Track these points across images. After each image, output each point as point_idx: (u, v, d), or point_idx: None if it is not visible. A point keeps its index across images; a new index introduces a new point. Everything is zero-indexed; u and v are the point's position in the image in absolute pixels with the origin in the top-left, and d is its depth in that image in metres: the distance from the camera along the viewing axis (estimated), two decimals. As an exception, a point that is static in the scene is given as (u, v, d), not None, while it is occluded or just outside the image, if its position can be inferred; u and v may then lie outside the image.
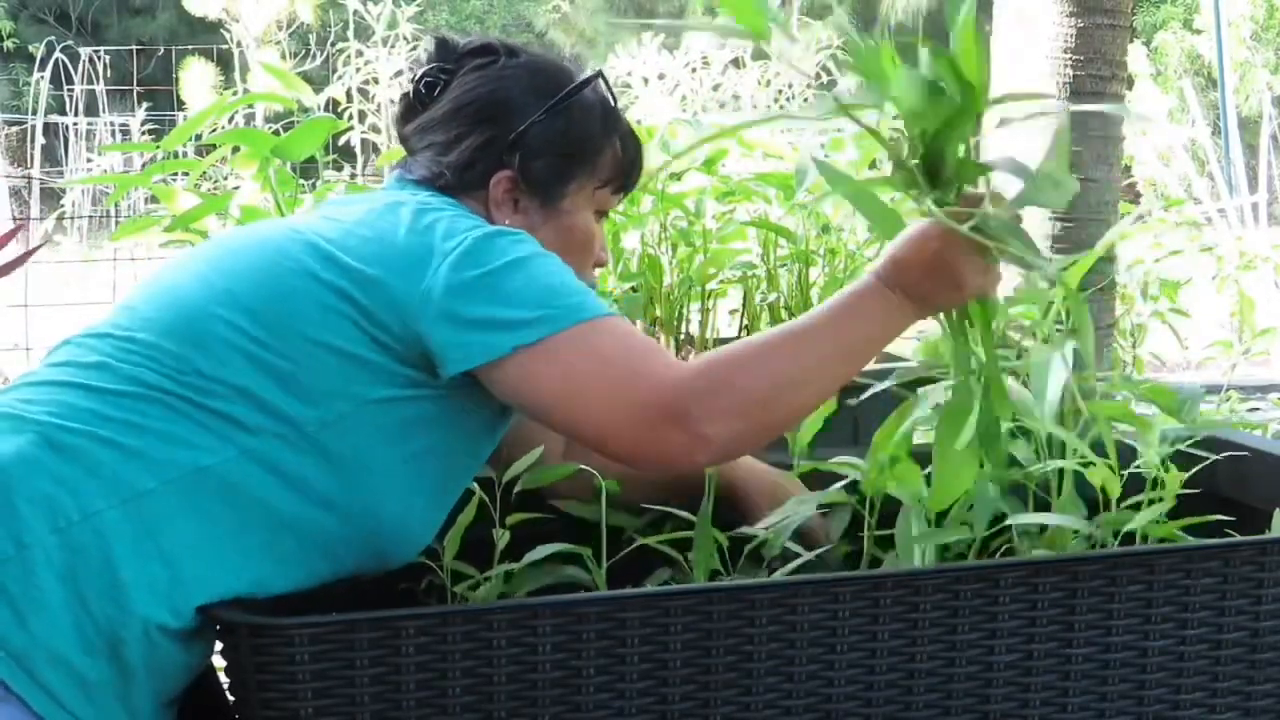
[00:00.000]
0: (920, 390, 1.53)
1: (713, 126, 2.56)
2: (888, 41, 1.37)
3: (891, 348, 1.99)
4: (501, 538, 1.58)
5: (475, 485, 1.58)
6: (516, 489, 1.61)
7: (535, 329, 1.35)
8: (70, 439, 1.33)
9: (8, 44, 16.57)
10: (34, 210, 10.27)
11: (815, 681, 1.38)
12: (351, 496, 1.39)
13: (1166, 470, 1.58)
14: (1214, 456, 1.79)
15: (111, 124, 11.07)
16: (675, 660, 1.35)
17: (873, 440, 1.55)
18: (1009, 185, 1.39)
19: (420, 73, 1.60)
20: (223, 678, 1.41)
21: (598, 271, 1.66)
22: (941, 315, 1.43)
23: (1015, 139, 1.51)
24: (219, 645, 1.37)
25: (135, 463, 1.33)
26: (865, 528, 1.60)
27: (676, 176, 2.51)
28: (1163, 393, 1.67)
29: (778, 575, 1.57)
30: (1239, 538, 1.56)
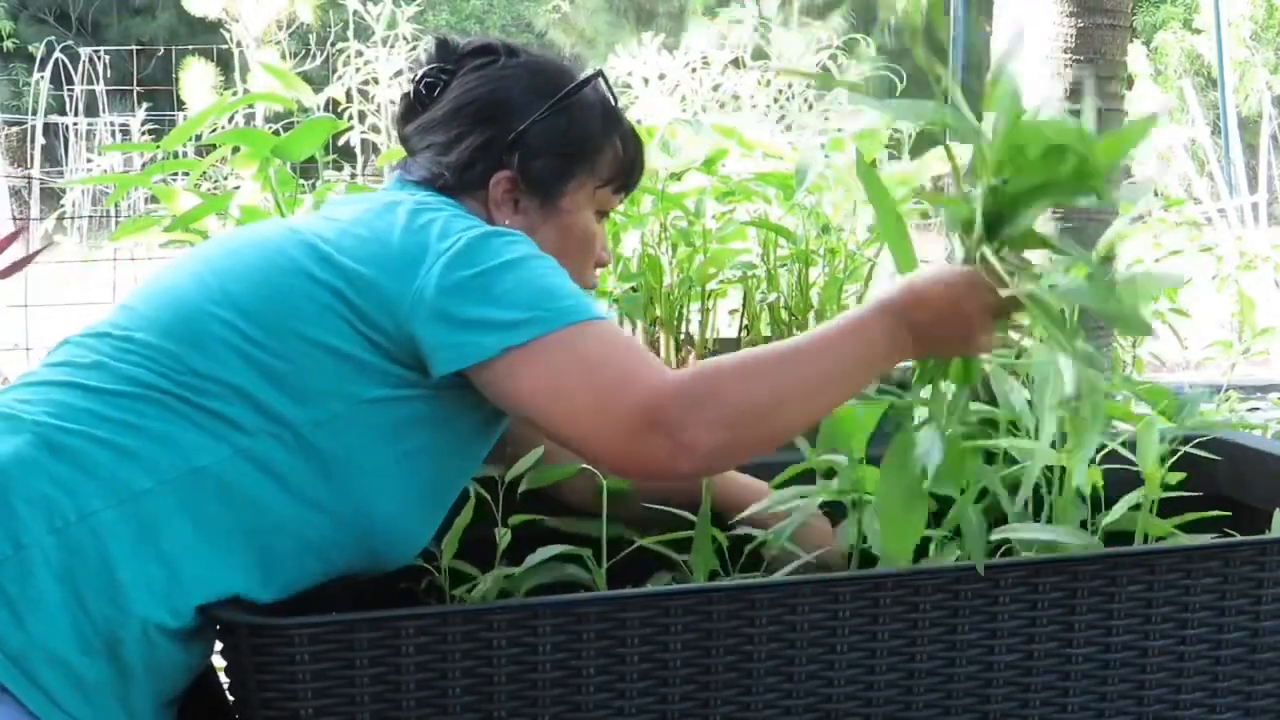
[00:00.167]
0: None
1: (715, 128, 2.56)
2: (1006, 79, 1.32)
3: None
4: (503, 537, 1.59)
5: (478, 484, 1.58)
6: (520, 489, 1.61)
7: (525, 330, 1.35)
8: (67, 439, 1.33)
9: (8, 44, 16.57)
10: (34, 210, 10.26)
11: (815, 681, 1.38)
12: (345, 497, 1.39)
13: (1163, 469, 1.59)
14: (1214, 456, 1.79)
15: (111, 124, 11.06)
16: (675, 660, 1.35)
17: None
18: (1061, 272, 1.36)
19: (420, 73, 1.60)
20: (223, 678, 1.41)
21: (599, 271, 1.66)
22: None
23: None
24: (219, 645, 1.37)
25: (132, 463, 1.33)
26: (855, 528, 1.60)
27: (676, 176, 2.51)
28: (1160, 394, 1.67)
29: (778, 575, 1.57)
30: (1239, 538, 1.56)
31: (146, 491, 1.32)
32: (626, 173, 1.61)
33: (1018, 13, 2.44)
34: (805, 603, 1.37)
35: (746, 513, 1.61)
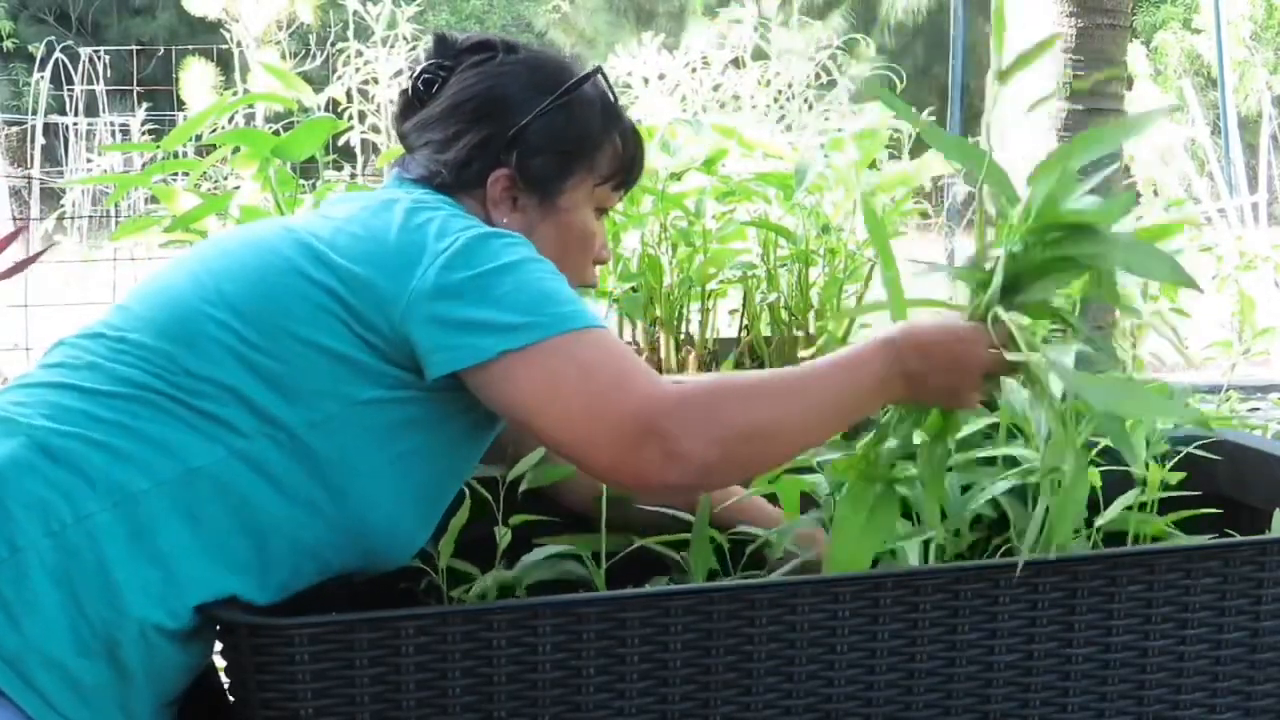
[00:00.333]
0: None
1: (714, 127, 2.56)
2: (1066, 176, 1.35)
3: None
4: (504, 537, 1.58)
5: (478, 485, 1.58)
6: (521, 488, 1.61)
7: (521, 334, 1.34)
8: (62, 442, 1.33)
9: (8, 44, 16.58)
10: (34, 210, 10.26)
11: (815, 681, 1.38)
12: (340, 498, 1.38)
13: (1154, 468, 1.59)
14: (1214, 456, 1.79)
15: (111, 124, 11.06)
16: (675, 660, 1.35)
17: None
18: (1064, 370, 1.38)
19: (419, 69, 1.59)
20: (223, 678, 1.41)
21: (598, 270, 1.65)
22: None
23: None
24: (219, 645, 1.37)
25: (127, 464, 1.32)
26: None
27: (676, 176, 2.52)
28: (1161, 392, 1.67)
29: (777, 575, 1.57)
30: (1239, 538, 1.56)
31: (142, 493, 1.32)
32: (626, 170, 1.60)
33: (1017, 9, 2.44)
34: (805, 603, 1.37)
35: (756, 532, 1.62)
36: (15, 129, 12.20)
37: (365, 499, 1.39)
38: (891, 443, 1.47)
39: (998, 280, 1.40)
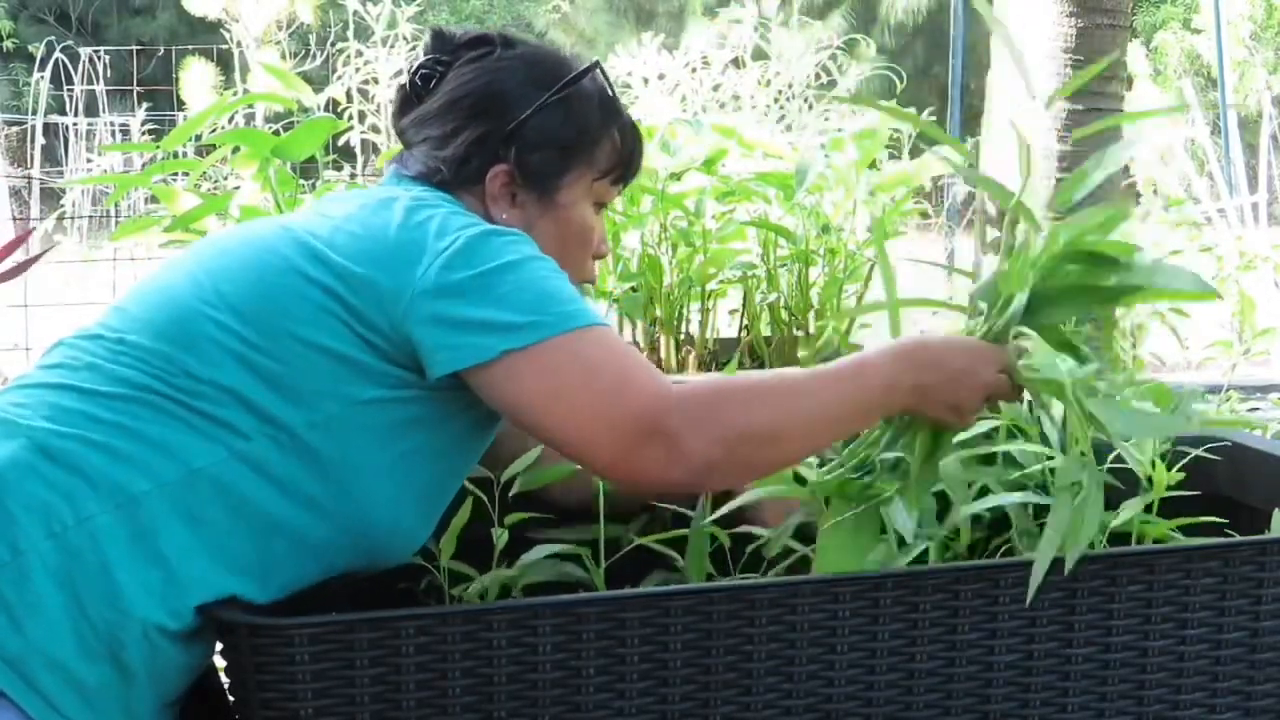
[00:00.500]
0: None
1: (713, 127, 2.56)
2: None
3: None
4: (500, 537, 1.58)
5: (473, 484, 1.57)
6: (513, 491, 1.61)
7: (525, 334, 1.34)
8: (62, 443, 1.32)
9: (8, 44, 16.57)
10: (34, 210, 10.26)
11: (815, 681, 1.38)
12: (341, 498, 1.38)
13: (1160, 469, 1.59)
14: (1214, 456, 1.79)
15: (111, 124, 11.06)
16: (675, 660, 1.35)
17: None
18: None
19: (416, 65, 1.59)
20: (223, 678, 1.41)
21: (598, 266, 1.65)
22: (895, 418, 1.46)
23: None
24: (219, 645, 1.37)
25: (127, 466, 1.32)
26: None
27: (676, 176, 2.52)
28: (1161, 392, 1.67)
29: (774, 572, 1.57)
30: (1239, 538, 1.56)
31: (143, 494, 1.32)
32: (625, 164, 1.59)
33: (1019, 12, 2.44)
34: (805, 603, 1.37)
35: (734, 503, 1.60)
36: (15, 129, 12.19)
37: (368, 498, 1.39)
38: (879, 458, 1.48)
39: (1019, 304, 1.41)
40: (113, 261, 4.27)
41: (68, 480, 1.31)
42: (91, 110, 11.36)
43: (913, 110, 2.91)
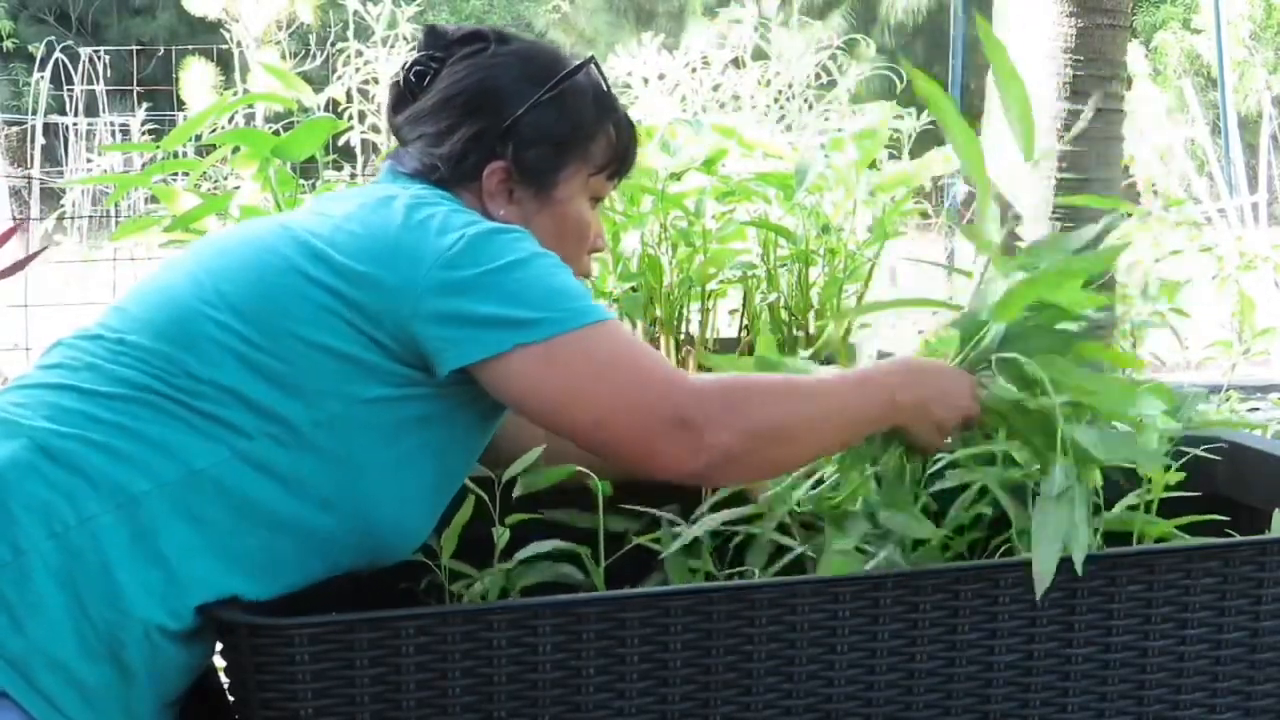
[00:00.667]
0: None
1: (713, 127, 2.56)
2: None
3: (894, 348, 2.00)
4: (501, 536, 1.58)
5: (473, 484, 1.57)
6: (516, 492, 1.61)
7: (539, 329, 1.35)
8: (63, 443, 1.33)
9: (8, 44, 16.57)
10: (34, 210, 10.26)
11: (815, 681, 1.38)
12: (345, 496, 1.38)
13: (1157, 469, 1.59)
14: (1214, 456, 1.79)
15: (111, 124, 11.06)
16: (675, 660, 1.35)
17: None
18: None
19: (410, 61, 1.59)
20: (223, 678, 1.41)
21: (595, 264, 1.65)
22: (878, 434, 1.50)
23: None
24: (219, 645, 1.37)
25: (128, 466, 1.32)
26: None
27: (676, 176, 2.51)
28: (1162, 393, 1.67)
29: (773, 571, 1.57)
30: (1239, 538, 1.56)
31: (144, 494, 1.32)
32: (620, 159, 1.60)
33: (1017, 9, 2.44)
34: (805, 603, 1.37)
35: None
36: (15, 129, 12.19)
37: (371, 496, 1.40)
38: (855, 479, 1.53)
39: (992, 338, 1.48)
40: (113, 261, 4.27)
41: (69, 480, 1.31)
42: (91, 110, 11.36)
43: (912, 111, 2.91)
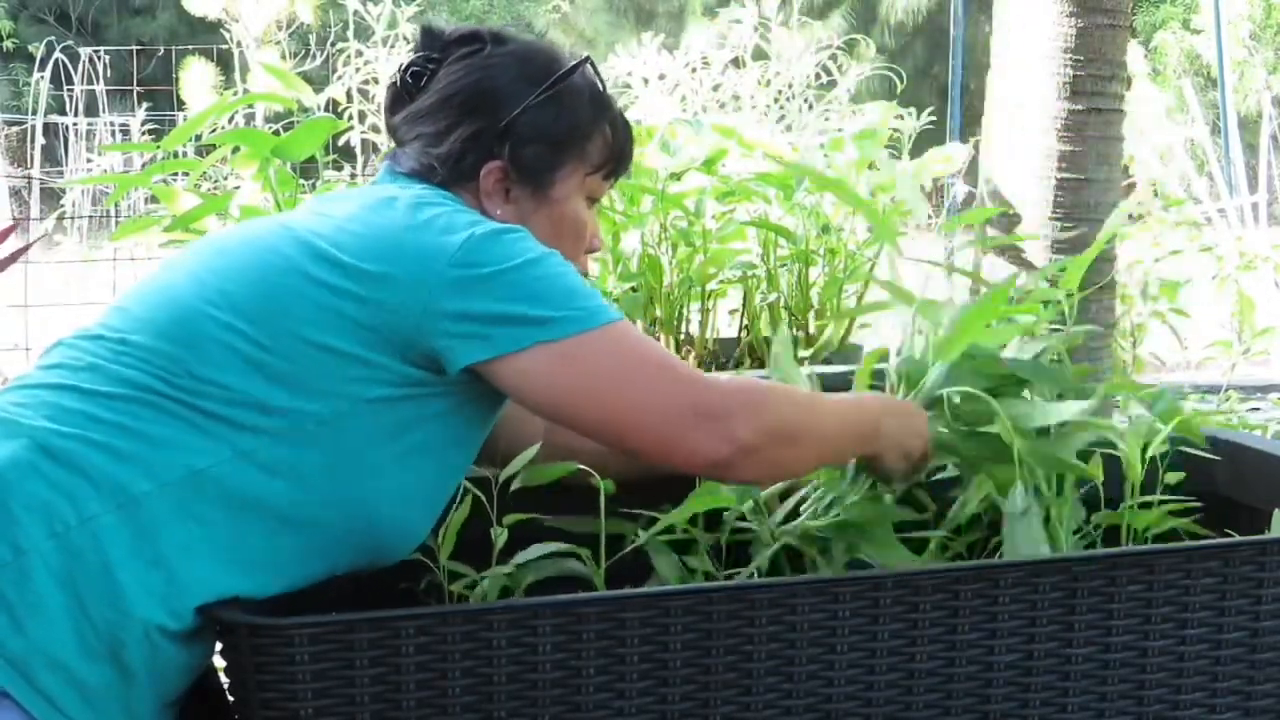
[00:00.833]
0: None
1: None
2: None
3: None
4: (499, 536, 1.58)
5: (470, 484, 1.57)
6: (513, 488, 1.60)
7: (559, 327, 1.37)
8: (63, 443, 1.33)
9: (8, 44, 16.57)
10: (34, 210, 10.25)
11: (815, 681, 1.38)
12: (347, 494, 1.39)
13: (1135, 467, 1.60)
14: (1214, 456, 1.79)
15: (111, 124, 11.05)
16: (675, 660, 1.35)
17: None
18: None
19: (407, 62, 1.60)
20: (223, 678, 1.41)
21: (594, 263, 1.66)
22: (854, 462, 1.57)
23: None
24: (219, 645, 1.37)
25: (129, 466, 1.32)
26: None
27: (676, 176, 2.51)
28: (1155, 395, 1.69)
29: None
30: (1239, 538, 1.56)
31: (145, 494, 1.32)
32: (616, 159, 1.61)
33: (1017, 9, 2.44)
34: (805, 603, 1.37)
35: None
36: (15, 129, 12.19)
37: (373, 494, 1.40)
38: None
39: (934, 380, 1.56)
40: (113, 261, 4.26)
41: (69, 480, 1.31)
42: (91, 110, 11.36)
43: (912, 111, 2.91)
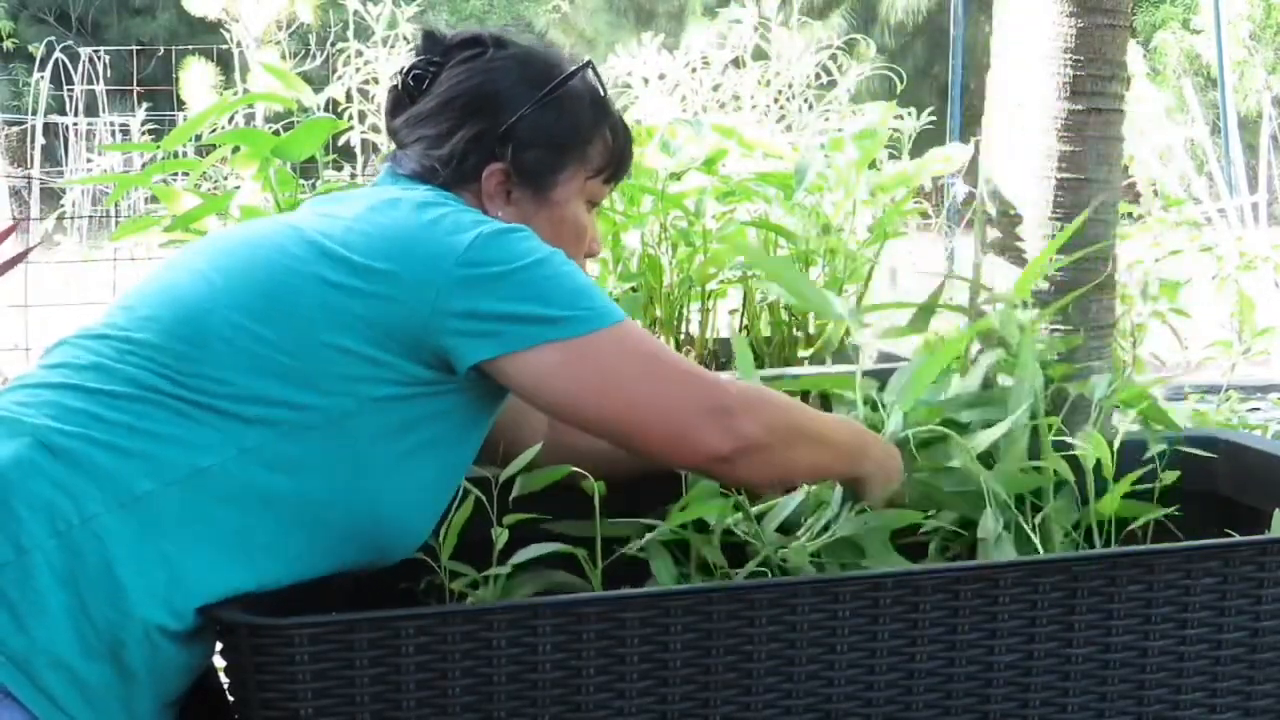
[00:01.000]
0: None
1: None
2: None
3: (894, 348, 2.00)
4: (499, 537, 1.58)
5: (470, 484, 1.57)
6: (514, 494, 1.60)
7: (569, 326, 1.38)
8: (66, 442, 1.33)
9: (8, 44, 16.57)
10: (34, 210, 10.25)
11: (815, 681, 1.38)
12: (351, 492, 1.39)
13: (1106, 462, 1.61)
14: (1214, 456, 1.79)
15: (111, 124, 11.05)
16: (675, 660, 1.35)
17: None
18: None
19: (408, 66, 1.60)
20: (223, 678, 1.41)
21: (595, 265, 1.67)
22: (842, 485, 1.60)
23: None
24: (219, 645, 1.37)
25: (132, 465, 1.33)
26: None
27: (676, 176, 2.51)
28: (1143, 399, 1.70)
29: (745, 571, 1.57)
30: (1239, 538, 1.56)
31: (147, 494, 1.32)
32: (616, 162, 1.63)
33: (1017, 9, 2.44)
34: (805, 603, 1.37)
35: None
36: (15, 129, 12.19)
37: (376, 492, 1.40)
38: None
39: (890, 427, 1.62)
40: (113, 261, 4.26)
41: (72, 479, 1.31)
42: (91, 110, 11.36)
43: (912, 111, 2.91)
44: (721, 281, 2.53)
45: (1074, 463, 1.63)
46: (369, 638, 1.27)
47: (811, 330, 2.53)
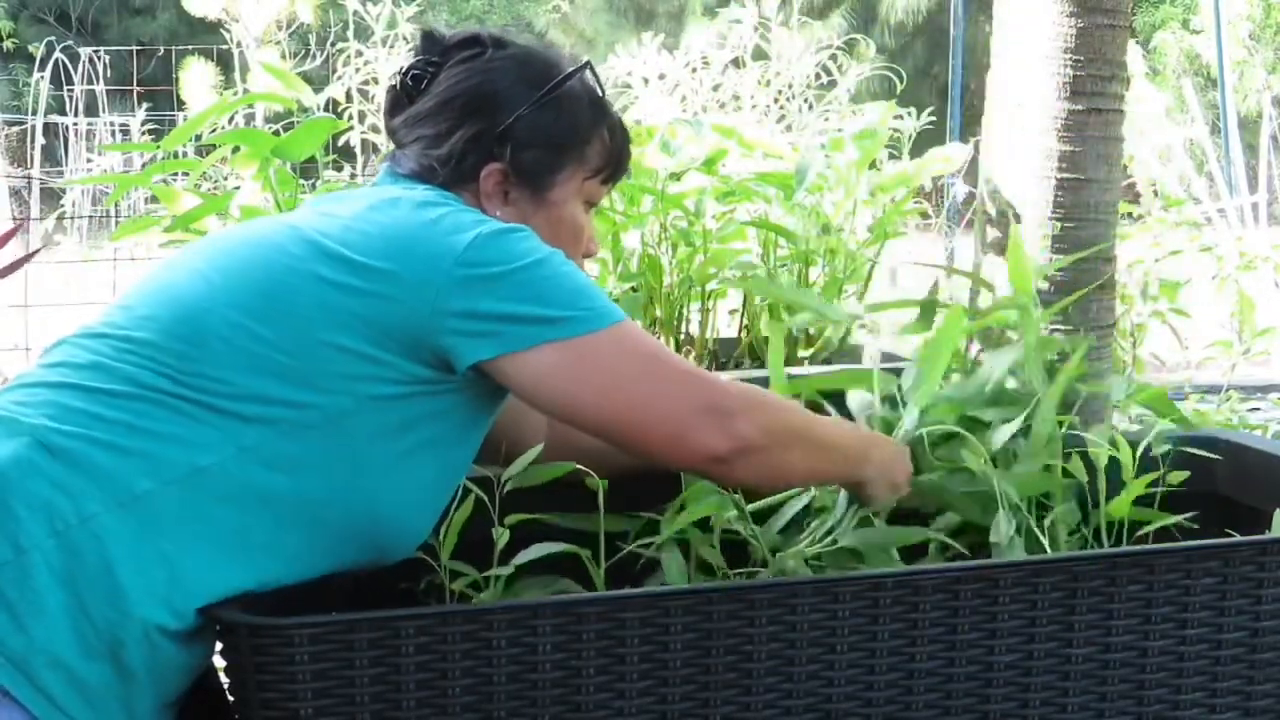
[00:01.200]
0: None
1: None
2: None
3: (894, 348, 2.00)
4: (501, 536, 1.58)
5: (471, 483, 1.57)
6: (510, 488, 1.60)
7: (569, 326, 1.38)
8: (65, 441, 1.33)
9: (8, 44, 16.57)
10: (34, 210, 10.25)
11: (815, 681, 1.38)
12: (350, 491, 1.39)
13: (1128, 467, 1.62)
14: (1214, 456, 1.79)
15: (111, 124, 11.05)
16: (675, 660, 1.35)
17: None
18: None
19: (407, 66, 1.60)
20: (223, 678, 1.41)
21: (595, 266, 1.67)
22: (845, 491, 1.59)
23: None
24: (219, 645, 1.37)
25: (131, 464, 1.32)
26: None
27: (676, 176, 2.52)
28: (1159, 398, 1.70)
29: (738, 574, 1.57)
30: (1239, 538, 1.56)
31: (146, 493, 1.32)
32: (614, 163, 1.63)
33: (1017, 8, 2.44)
34: (805, 603, 1.37)
35: None
36: (15, 129, 12.18)
37: (377, 492, 1.40)
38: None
39: (906, 425, 1.61)
40: (113, 261, 4.26)
41: (71, 478, 1.31)
42: (91, 110, 11.35)
43: (912, 111, 2.91)
44: (721, 281, 2.53)
45: (1084, 464, 1.63)
46: (369, 638, 1.27)
47: (812, 331, 2.53)
